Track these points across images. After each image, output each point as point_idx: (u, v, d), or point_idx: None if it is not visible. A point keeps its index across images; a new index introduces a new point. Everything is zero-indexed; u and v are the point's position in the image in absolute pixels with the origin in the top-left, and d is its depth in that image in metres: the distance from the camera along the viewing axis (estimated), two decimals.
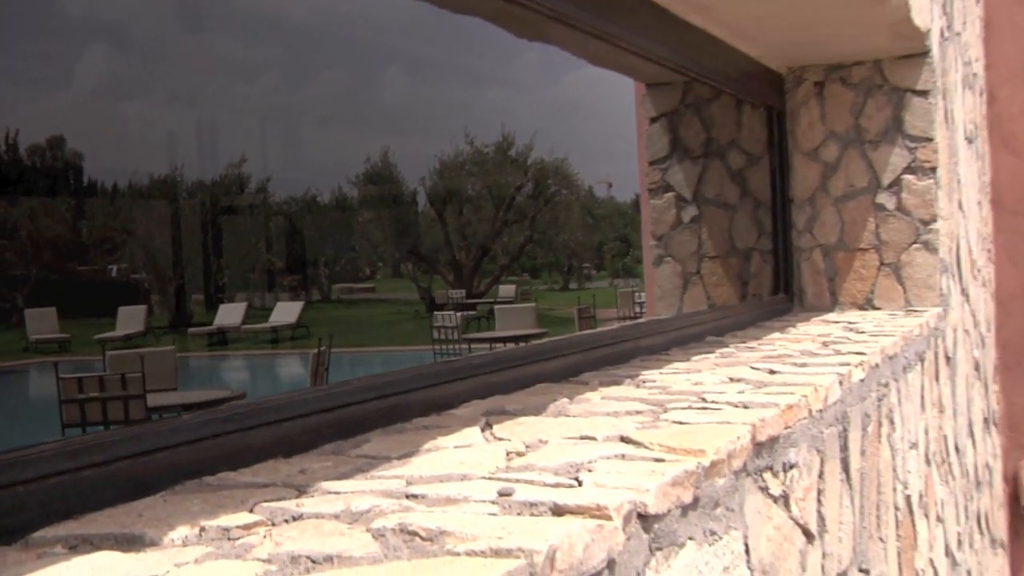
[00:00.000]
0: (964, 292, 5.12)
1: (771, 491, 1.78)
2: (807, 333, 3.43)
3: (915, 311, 4.12)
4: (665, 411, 1.86)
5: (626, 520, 1.20)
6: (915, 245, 4.23)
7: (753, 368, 2.49)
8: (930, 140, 4.18)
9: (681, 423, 1.72)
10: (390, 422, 1.79)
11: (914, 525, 3.25)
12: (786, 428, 1.86)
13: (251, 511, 1.25)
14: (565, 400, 2.00)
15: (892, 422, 2.97)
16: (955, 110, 4.90)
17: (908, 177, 4.22)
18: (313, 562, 1.04)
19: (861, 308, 4.33)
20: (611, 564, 1.16)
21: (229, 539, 1.15)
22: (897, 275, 4.28)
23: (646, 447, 1.52)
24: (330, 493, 1.31)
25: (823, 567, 2.08)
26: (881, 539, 2.73)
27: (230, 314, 30.04)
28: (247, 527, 1.18)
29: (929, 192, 4.20)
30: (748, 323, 3.83)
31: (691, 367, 2.56)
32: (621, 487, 1.27)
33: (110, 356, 13.26)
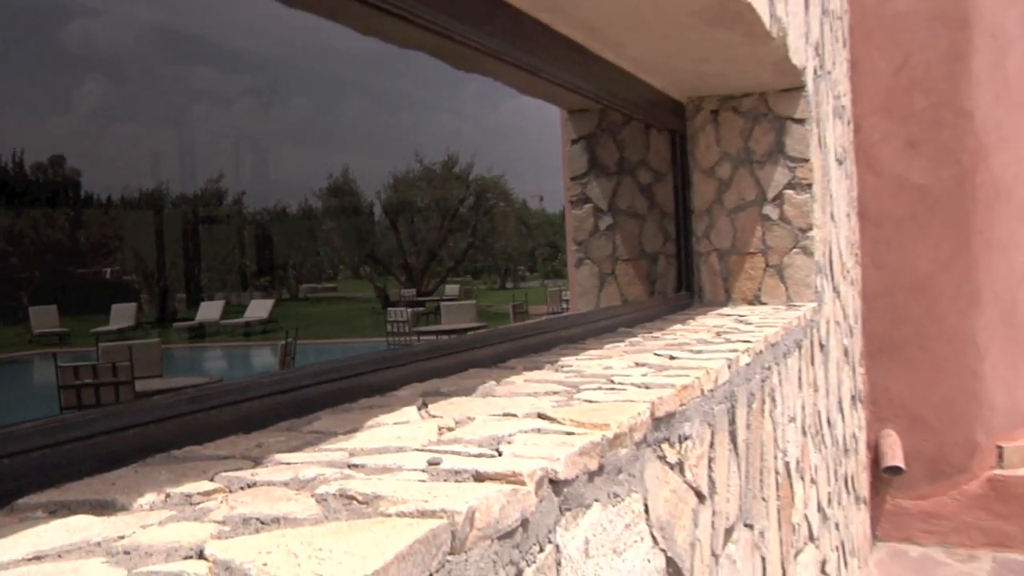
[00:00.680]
0: (836, 290, 5.18)
1: (668, 459, 1.78)
2: (704, 325, 3.44)
3: (795, 306, 4.16)
4: (578, 391, 1.85)
5: (538, 485, 1.19)
6: (795, 250, 4.27)
7: (656, 355, 2.50)
8: (806, 161, 4.23)
9: (591, 402, 1.72)
10: (339, 402, 1.77)
11: (792, 486, 3.28)
12: (681, 405, 1.86)
13: (211, 480, 1.23)
14: (493, 383, 1.99)
15: (774, 400, 2.99)
16: (827, 136, 4.95)
17: (789, 192, 4.26)
18: (262, 523, 1.02)
19: (750, 303, 4.36)
20: (525, 523, 1.16)
21: (190, 504, 1.13)
22: (780, 275, 4.31)
23: (559, 422, 1.51)
24: (282, 464, 1.29)
25: (713, 523, 2.09)
26: (764, 499, 2.75)
27: (210, 311, 29.68)
28: (207, 494, 1.17)
29: (806, 205, 4.24)
30: (655, 316, 3.84)
31: (603, 354, 2.56)
32: (535, 457, 1.26)
33: (103, 347, 13.07)
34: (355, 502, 1.07)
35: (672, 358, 2.40)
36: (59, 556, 0.97)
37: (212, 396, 1.54)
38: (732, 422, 2.36)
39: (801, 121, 4.24)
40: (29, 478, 1.21)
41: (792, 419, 3.38)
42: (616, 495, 1.48)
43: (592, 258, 4.55)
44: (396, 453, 1.31)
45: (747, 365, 2.57)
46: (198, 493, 1.17)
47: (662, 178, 4.44)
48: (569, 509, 1.30)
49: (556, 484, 1.26)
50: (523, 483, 1.15)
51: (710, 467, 2.09)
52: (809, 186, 4.24)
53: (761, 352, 2.81)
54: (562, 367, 2.28)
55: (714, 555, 2.10)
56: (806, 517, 3.61)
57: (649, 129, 4.40)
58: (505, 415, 1.59)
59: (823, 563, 4.03)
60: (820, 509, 4.06)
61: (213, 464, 1.32)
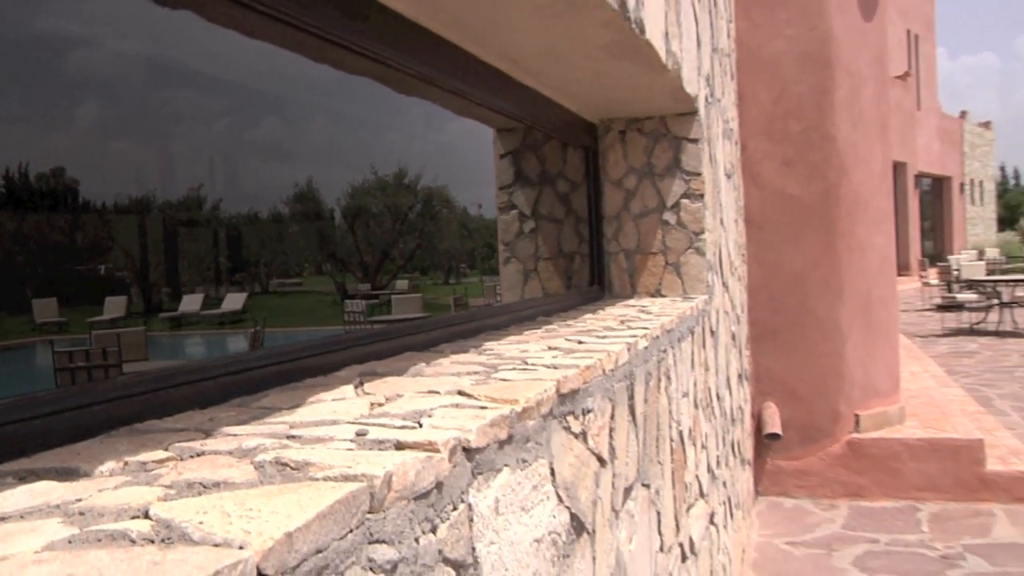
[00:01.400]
0: (725, 284, 5.23)
1: (572, 430, 1.77)
2: (611, 314, 3.44)
3: (690, 298, 4.19)
4: (496, 372, 1.83)
5: (452, 452, 1.17)
6: (690, 250, 4.30)
7: (567, 340, 2.49)
8: (699, 175, 4.26)
9: (505, 380, 1.70)
10: (286, 381, 1.73)
11: (684, 451, 3.29)
12: (584, 383, 1.85)
13: (165, 449, 1.19)
14: (423, 364, 1.96)
15: (669, 378, 3.00)
16: (717, 154, 5.00)
17: (685, 201, 4.29)
18: (204, 487, 0.99)
19: (652, 296, 4.38)
20: (439, 485, 1.14)
21: (145, 471, 1.09)
22: (677, 272, 4.34)
23: (476, 398, 1.49)
24: (229, 435, 1.26)
25: (613, 484, 2.09)
26: (659, 462, 2.76)
27: (191, 303, 29.08)
28: (160, 462, 1.13)
29: (699, 212, 4.27)
30: (570, 307, 3.83)
31: (522, 340, 2.55)
32: (451, 428, 1.24)
33: (95, 335, 12.75)
34: (288, 468, 1.04)
35: (580, 343, 2.40)
36: (21, 517, 0.93)
37: (172, 375, 1.50)
38: (631, 397, 2.35)
39: (695, 141, 4.27)
40: (3, 448, 1.17)
41: (685, 394, 3.40)
42: (524, 460, 1.47)
43: (517, 257, 4.54)
44: (330, 426, 1.29)
45: (645, 348, 2.57)
46: (152, 461, 1.13)
47: (577, 188, 4.44)
48: (481, 473, 1.29)
49: (469, 452, 1.24)
50: (438, 451, 1.14)
51: (611, 436, 2.08)
52: (701, 196, 4.27)
53: (658, 337, 2.81)
54: (485, 351, 2.26)
55: (614, 511, 2.10)
56: (697, 477, 3.64)
57: (566, 146, 4.40)
58: (429, 392, 1.57)
59: (712, 515, 4.06)
60: (710, 470, 4.10)
61: (169, 436, 1.28)
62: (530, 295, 4.52)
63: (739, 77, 6.86)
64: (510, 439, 1.40)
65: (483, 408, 1.40)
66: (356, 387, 1.65)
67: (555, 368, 1.86)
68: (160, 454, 1.16)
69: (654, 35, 2.93)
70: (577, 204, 4.46)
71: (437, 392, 1.56)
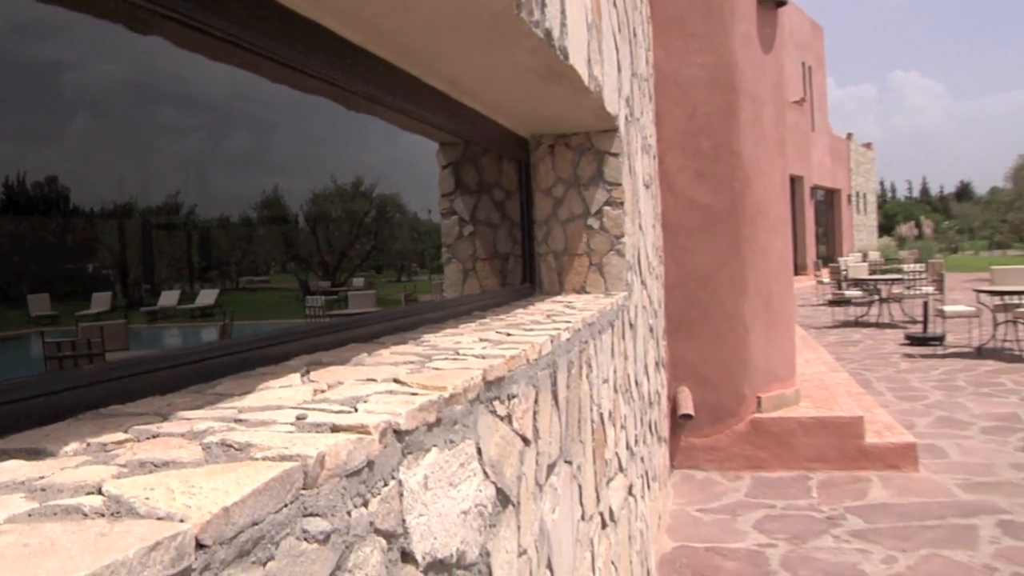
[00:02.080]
0: (643, 282, 5.29)
1: (498, 413, 1.78)
2: (540, 309, 3.45)
3: (611, 294, 4.23)
4: (430, 361, 1.83)
5: (382, 434, 1.18)
6: (611, 252, 4.34)
7: (497, 332, 2.49)
8: (620, 185, 4.30)
9: (437, 369, 1.70)
10: (240, 370, 1.71)
11: (605, 431, 3.32)
12: (509, 371, 1.86)
13: (125, 432, 1.17)
14: (365, 355, 1.95)
15: (590, 366, 3.03)
16: (636, 166, 5.05)
17: (607, 208, 4.32)
18: (155, 466, 0.98)
19: (578, 293, 4.41)
20: (371, 464, 1.14)
21: (104, 451, 1.08)
22: (600, 271, 4.38)
23: (408, 385, 1.49)
24: (183, 419, 1.24)
25: (537, 461, 2.10)
26: (581, 441, 2.78)
27: (168, 298, 28.55)
28: (119, 443, 1.11)
29: (620, 218, 4.31)
30: (503, 303, 3.84)
31: (456, 332, 2.54)
32: (383, 412, 1.24)
33: (81, 327, 12.45)
34: (232, 449, 1.04)
35: (509, 335, 2.40)
36: None
37: (135, 364, 1.47)
38: (554, 384, 2.37)
39: (616, 155, 4.31)
40: None
41: (606, 380, 3.43)
42: (452, 441, 1.47)
43: (458, 258, 4.53)
44: (275, 410, 1.28)
45: (567, 340, 2.59)
46: (112, 442, 1.11)
47: (511, 196, 4.45)
48: (411, 453, 1.29)
49: (399, 433, 1.24)
50: (369, 433, 1.14)
51: (535, 419, 2.09)
52: (622, 204, 4.31)
53: (579, 330, 2.83)
54: (422, 343, 2.26)
55: (538, 485, 2.11)
56: (617, 454, 3.67)
57: (501, 158, 4.41)
58: (368, 380, 1.56)
59: (630, 487, 4.11)
60: (628, 447, 4.14)
61: (130, 419, 1.26)
62: (469, 292, 4.51)
63: (657, 99, 6.94)
64: (439, 422, 1.40)
65: (414, 394, 1.40)
66: (303, 375, 1.63)
67: (484, 358, 1.87)
68: (120, 436, 1.15)
69: (577, 61, 2.95)
70: (511, 210, 4.47)
71: (375, 380, 1.56)
